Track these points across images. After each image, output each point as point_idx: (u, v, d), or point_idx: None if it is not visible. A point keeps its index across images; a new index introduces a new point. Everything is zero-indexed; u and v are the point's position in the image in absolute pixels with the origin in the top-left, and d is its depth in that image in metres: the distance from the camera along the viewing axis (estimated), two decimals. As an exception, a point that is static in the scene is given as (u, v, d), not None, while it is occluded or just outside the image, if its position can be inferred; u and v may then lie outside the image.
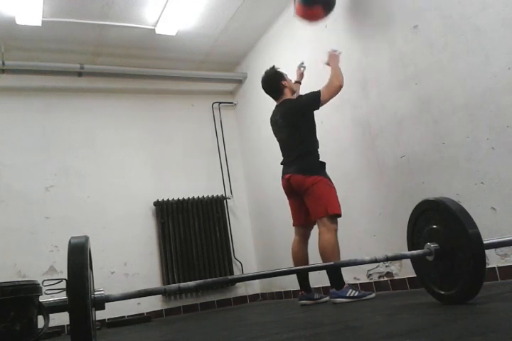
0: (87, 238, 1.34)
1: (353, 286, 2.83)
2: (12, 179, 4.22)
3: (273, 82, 3.13)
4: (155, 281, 4.42)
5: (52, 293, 1.28)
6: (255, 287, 4.85)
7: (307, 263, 2.93)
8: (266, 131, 4.61)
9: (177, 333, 2.57)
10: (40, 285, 1.29)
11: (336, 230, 2.78)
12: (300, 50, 4.08)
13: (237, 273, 4.74)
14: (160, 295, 4.39)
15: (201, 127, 5.19)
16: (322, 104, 2.95)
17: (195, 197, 4.79)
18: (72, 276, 1.22)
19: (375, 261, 1.77)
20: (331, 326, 1.72)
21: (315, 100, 2.92)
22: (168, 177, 4.84)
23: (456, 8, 2.57)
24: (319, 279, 3.36)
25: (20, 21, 3.85)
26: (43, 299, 1.28)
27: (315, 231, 2.92)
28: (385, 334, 1.30)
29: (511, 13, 2.29)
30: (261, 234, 4.88)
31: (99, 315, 1.52)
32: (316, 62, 3.86)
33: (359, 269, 3.29)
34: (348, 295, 2.66)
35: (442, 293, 1.72)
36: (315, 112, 3.02)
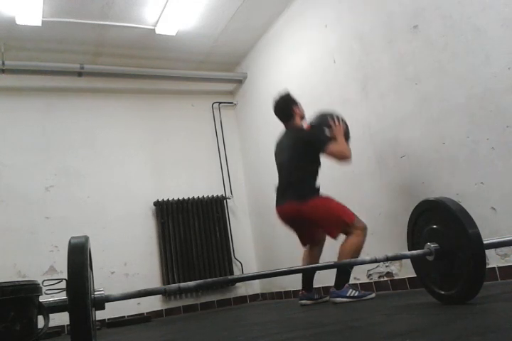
0: (87, 238, 1.34)
1: (353, 286, 2.83)
2: (12, 179, 4.22)
3: (285, 107, 3.08)
4: (155, 281, 4.42)
5: (52, 293, 1.28)
6: (255, 287, 4.85)
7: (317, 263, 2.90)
8: (266, 131, 4.62)
9: (177, 333, 2.57)
10: (40, 285, 1.29)
11: (366, 228, 2.75)
12: (300, 50, 4.09)
13: (237, 273, 4.74)
14: (160, 295, 4.39)
15: (201, 127, 5.19)
16: (324, 152, 2.83)
17: (195, 197, 4.79)
18: (72, 276, 1.22)
19: (375, 261, 1.77)
20: (331, 326, 1.72)
21: (324, 145, 2.81)
22: (168, 177, 4.84)
23: (456, 8, 2.57)
24: (319, 279, 3.36)
25: (20, 21, 3.85)
26: (43, 299, 1.28)
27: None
28: (385, 334, 1.30)
29: (511, 13, 2.29)
30: (261, 234, 4.88)
31: (99, 315, 1.51)
32: (316, 62, 3.87)
33: (359, 269, 3.29)
34: (348, 295, 2.66)
35: (442, 293, 1.72)
36: None
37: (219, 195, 4.93)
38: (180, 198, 4.73)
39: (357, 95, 3.39)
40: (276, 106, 3.14)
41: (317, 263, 2.94)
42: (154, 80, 4.93)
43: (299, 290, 3.05)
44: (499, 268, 2.35)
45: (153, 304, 4.34)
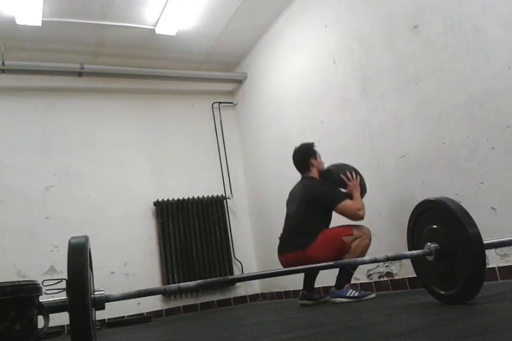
0: (87, 238, 1.34)
1: (353, 286, 2.83)
2: (12, 179, 4.22)
3: (302, 156, 3.07)
4: (155, 281, 4.42)
5: (52, 293, 1.28)
6: (255, 287, 4.85)
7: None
8: (266, 131, 4.62)
9: (177, 333, 2.57)
10: (40, 285, 1.29)
11: (369, 232, 2.76)
12: (300, 50, 4.09)
13: (237, 273, 4.74)
14: (160, 295, 4.39)
15: (201, 127, 5.19)
16: (335, 210, 2.83)
17: (195, 197, 4.79)
18: (72, 276, 1.22)
19: (375, 261, 1.77)
20: (331, 326, 1.72)
21: (336, 202, 2.80)
22: (168, 177, 4.84)
23: (456, 8, 2.57)
24: (319, 279, 3.35)
25: (20, 21, 3.85)
26: (43, 299, 1.28)
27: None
28: (385, 334, 1.30)
29: (511, 13, 2.29)
30: (261, 234, 4.88)
31: (99, 315, 1.52)
32: (316, 62, 3.87)
33: (359, 269, 3.27)
34: (348, 295, 2.66)
35: (442, 293, 1.72)
36: None
37: (219, 195, 4.93)
38: (180, 198, 4.73)
39: (357, 95, 3.39)
40: (294, 156, 3.12)
41: None
42: (154, 80, 4.92)
43: (299, 290, 3.05)
44: (499, 268, 2.35)
45: (153, 304, 4.34)
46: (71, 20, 3.99)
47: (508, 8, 2.30)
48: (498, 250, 2.33)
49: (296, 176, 3.10)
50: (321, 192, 2.89)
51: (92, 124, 4.68)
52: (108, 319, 3.95)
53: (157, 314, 4.33)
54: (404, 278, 2.98)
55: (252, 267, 4.84)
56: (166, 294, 4.40)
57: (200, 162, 5.04)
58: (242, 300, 4.75)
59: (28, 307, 1.22)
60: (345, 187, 2.86)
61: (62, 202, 4.32)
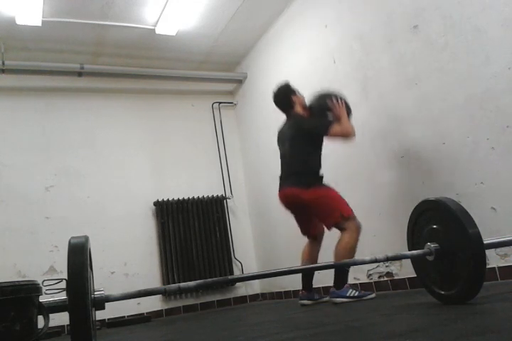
0: (87, 238, 1.34)
1: (353, 286, 2.83)
2: (12, 179, 4.22)
3: (284, 96, 3.10)
4: (155, 281, 4.42)
5: (52, 293, 1.28)
6: (255, 287, 4.85)
7: (315, 263, 2.91)
8: (266, 131, 4.62)
9: (177, 333, 2.57)
10: (40, 285, 1.29)
11: (360, 227, 2.76)
12: (300, 50, 4.08)
13: (237, 273, 4.74)
14: (160, 295, 4.39)
15: (201, 127, 5.19)
16: (327, 136, 2.86)
17: (195, 197, 4.79)
18: (72, 276, 1.22)
19: (375, 261, 1.77)
20: (331, 326, 1.72)
21: (325, 129, 2.83)
22: (168, 177, 4.84)
23: (456, 8, 2.57)
24: (319, 279, 3.36)
25: (20, 21, 3.85)
26: (43, 299, 1.28)
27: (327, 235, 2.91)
28: (385, 334, 1.30)
29: (511, 13, 2.29)
30: (261, 234, 4.88)
31: (99, 315, 1.51)
32: (316, 62, 3.87)
33: (359, 269, 3.29)
34: (348, 295, 2.66)
35: (442, 293, 1.72)
36: None
37: (219, 195, 4.93)
38: (180, 198, 4.73)
39: (357, 95, 3.38)
40: (275, 97, 3.16)
41: (316, 260, 2.95)
42: (154, 80, 4.92)
43: (299, 290, 3.05)
44: (499, 268, 2.35)
45: (153, 304, 4.34)
46: (71, 20, 3.99)
47: (508, 8, 2.30)
48: (498, 250, 2.33)
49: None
50: (310, 124, 2.94)
51: (92, 124, 4.68)
52: (108, 319, 3.95)
53: (157, 314, 4.33)
54: (404, 278, 2.98)
55: (252, 267, 4.84)
56: (166, 294, 4.40)
57: (200, 162, 5.04)
58: (242, 300, 4.75)
59: (28, 307, 1.22)
60: (332, 114, 2.89)
61: (62, 202, 4.32)
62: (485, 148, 2.43)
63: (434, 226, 1.74)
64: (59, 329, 3.54)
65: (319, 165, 2.94)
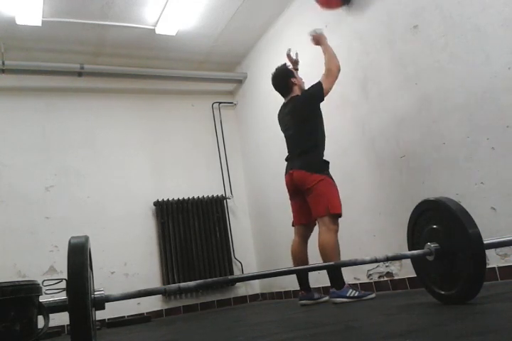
0: (87, 238, 1.34)
1: (353, 286, 2.83)
2: (12, 179, 4.22)
3: (282, 78, 3.14)
4: (155, 281, 4.42)
5: (52, 293, 1.28)
6: (255, 287, 4.85)
7: (307, 264, 2.93)
8: (266, 131, 4.62)
9: (177, 333, 2.57)
10: (40, 285, 1.29)
11: (336, 231, 2.78)
12: (300, 50, 4.07)
13: (237, 273, 4.74)
14: (160, 295, 4.38)
15: (201, 127, 5.19)
16: (326, 94, 2.93)
17: (195, 197, 4.79)
18: (72, 276, 1.22)
19: (375, 261, 1.77)
20: (331, 326, 1.72)
21: (318, 91, 2.92)
22: (168, 177, 4.84)
23: (456, 8, 2.57)
24: (319, 279, 3.36)
25: (20, 21, 3.85)
26: (43, 299, 1.28)
27: (315, 232, 2.91)
28: (385, 334, 1.30)
29: (511, 13, 2.29)
30: (261, 234, 4.88)
31: (99, 315, 1.51)
32: (316, 62, 3.86)
33: (359, 269, 3.29)
34: (348, 295, 2.66)
35: (442, 293, 1.72)
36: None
37: (219, 195, 4.93)
38: (180, 198, 4.73)
39: (357, 95, 3.39)
40: (274, 80, 3.19)
41: (307, 259, 2.96)
42: (154, 80, 4.92)
43: (298, 290, 3.05)
44: (499, 268, 2.35)
45: (153, 304, 4.34)
46: (71, 20, 3.99)
47: (508, 8, 2.30)
48: (498, 250, 2.33)
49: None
50: (305, 96, 3.00)
51: (92, 124, 4.68)
52: (108, 319, 3.95)
53: (157, 314, 4.33)
54: (404, 278, 2.98)
55: (252, 267, 4.84)
56: (166, 294, 4.40)
57: (200, 162, 5.04)
58: (242, 300, 4.75)
59: (28, 307, 1.22)
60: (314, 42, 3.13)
61: (62, 202, 4.32)
62: (485, 148, 2.43)
63: (434, 226, 1.74)
64: (59, 329, 3.54)
65: (322, 136, 2.99)
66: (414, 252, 1.79)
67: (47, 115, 4.54)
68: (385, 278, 3.15)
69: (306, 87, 3.10)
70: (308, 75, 3.99)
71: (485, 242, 1.62)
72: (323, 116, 3.07)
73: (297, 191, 2.96)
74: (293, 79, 3.11)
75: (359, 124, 3.37)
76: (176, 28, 4.33)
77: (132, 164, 4.73)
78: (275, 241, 4.51)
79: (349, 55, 3.44)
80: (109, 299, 1.41)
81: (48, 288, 1.28)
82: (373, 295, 2.71)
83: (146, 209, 4.64)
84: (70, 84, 4.66)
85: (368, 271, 3.29)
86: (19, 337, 1.17)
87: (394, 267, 3.08)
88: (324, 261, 2.67)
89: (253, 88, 4.99)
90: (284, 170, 3.05)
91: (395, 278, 3.07)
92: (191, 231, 4.67)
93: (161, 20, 4.16)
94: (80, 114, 4.67)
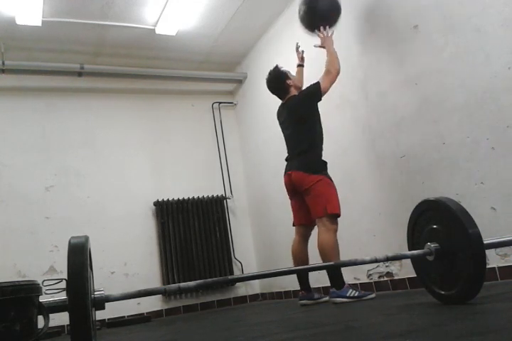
0: (87, 238, 1.34)
1: (353, 286, 2.83)
2: (12, 179, 4.22)
3: (278, 82, 3.14)
4: (155, 281, 4.42)
5: (52, 293, 1.28)
6: (255, 287, 4.85)
7: (307, 263, 2.93)
8: (266, 131, 4.62)
9: (177, 333, 2.57)
10: (40, 285, 1.29)
11: (335, 230, 2.78)
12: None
13: (237, 273, 4.74)
14: (160, 295, 4.39)
15: (201, 127, 5.19)
16: (324, 94, 2.95)
17: (195, 197, 4.79)
18: (72, 276, 1.22)
19: (375, 261, 1.77)
20: (331, 326, 1.72)
21: (316, 90, 2.93)
22: (168, 177, 4.84)
23: (456, 8, 2.57)
24: (319, 279, 3.36)
25: (20, 21, 3.85)
26: (43, 299, 1.28)
27: (315, 231, 2.92)
28: (385, 334, 1.30)
29: (511, 13, 2.29)
30: (261, 234, 4.88)
31: (99, 315, 1.51)
32: (316, 62, 3.86)
33: (359, 269, 3.29)
34: (348, 295, 2.66)
35: (442, 293, 1.72)
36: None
37: (219, 195, 4.93)
38: (180, 198, 4.73)
39: (357, 95, 3.38)
40: (269, 83, 3.20)
41: (308, 259, 2.96)
42: (154, 80, 4.92)
43: (299, 290, 3.05)
44: (499, 268, 2.35)
45: (153, 304, 4.34)
46: (71, 20, 3.99)
47: (508, 8, 2.30)
48: (498, 250, 2.33)
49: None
50: (303, 95, 3.02)
51: (92, 124, 4.68)
52: (108, 319, 3.95)
53: (157, 314, 4.33)
54: (404, 278, 2.98)
55: (252, 267, 4.84)
56: (166, 294, 4.40)
57: (200, 162, 5.04)
58: (242, 300, 4.75)
59: (28, 307, 1.22)
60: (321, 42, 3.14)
61: (62, 202, 4.32)
62: (485, 148, 2.43)
63: (434, 226, 1.74)
64: (59, 329, 3.54)
65: (320, 135, 3.01)
66: (414, 252, 1.79)
67: (47, 115, 4.54)
68: (385, 278, 3.15)
69: (305, 86, 3.10)
70: (307, 75, 3.99)
71: (485, 242, 1.62)
72: (323, 116, 3.07)
73: (296, 191, 2.97)
74: (288, 81, 3.12)
75: (359, 124, 3.37)
76: (176, 28, 4.33)
77: (132, 164, 4.73)
78: (275, 241, 4.51)
79: (349, 55, 3.44)
80: (109, 299, 1.41)
81: (48, 288, 1.28)
82: (373, 295, 2.71)
83: (146, 209, 4.64)
84: (70, 84, 4.66)
85: (368, 271, 3.29)
86: (19, 337, 1.17)
87: (394, 267, 3.08)
88: (324, 261, 2.67)
89: (253, 88, 4.99)
90: (284, 171, 3.05)
91: (395, 278, 3.07)
92: (191, 231, 4.67)
93: (161, 20, 4.15)
94: (80, 114, 4.67)
